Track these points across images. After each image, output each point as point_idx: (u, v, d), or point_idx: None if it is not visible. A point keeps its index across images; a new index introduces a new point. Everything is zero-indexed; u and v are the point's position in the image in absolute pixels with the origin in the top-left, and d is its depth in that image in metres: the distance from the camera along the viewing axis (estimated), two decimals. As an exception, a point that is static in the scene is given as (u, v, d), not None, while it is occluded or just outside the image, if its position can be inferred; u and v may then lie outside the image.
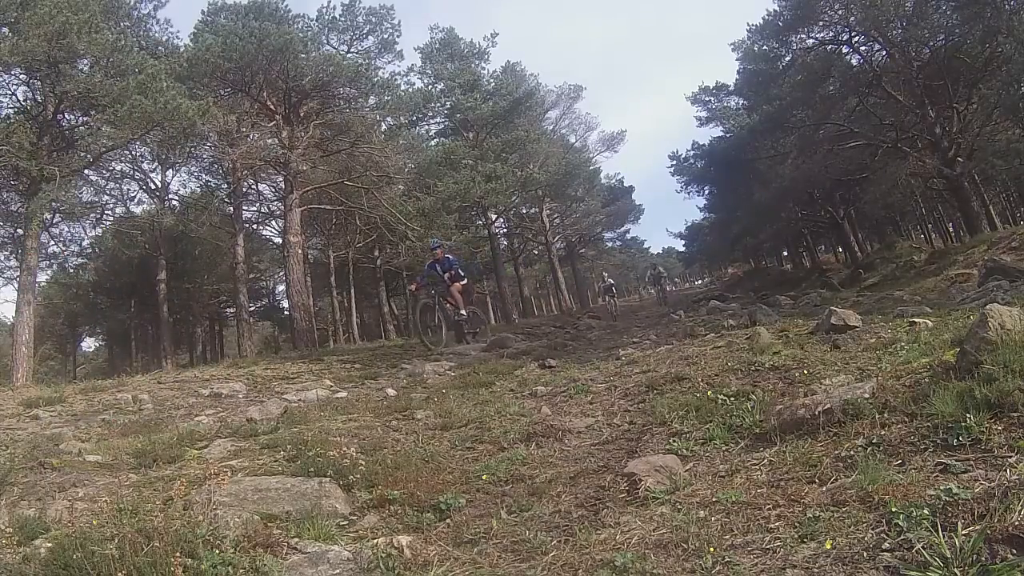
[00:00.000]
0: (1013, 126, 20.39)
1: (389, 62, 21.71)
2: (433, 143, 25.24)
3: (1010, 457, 2.00)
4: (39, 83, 13.24)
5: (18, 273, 14.60)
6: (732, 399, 3.56)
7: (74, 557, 1.86)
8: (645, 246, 57.69)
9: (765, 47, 24.46)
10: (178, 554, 1.81)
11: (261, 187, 23.43)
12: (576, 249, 40.73)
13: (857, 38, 21.35)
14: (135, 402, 5.77)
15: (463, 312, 10.71)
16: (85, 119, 14.17)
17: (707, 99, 33.40)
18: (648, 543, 2.01)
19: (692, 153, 34.26)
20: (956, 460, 2.08)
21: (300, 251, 17.93)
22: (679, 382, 4.35)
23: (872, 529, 1.77)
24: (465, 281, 11.10)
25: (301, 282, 17.48)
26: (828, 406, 2.74)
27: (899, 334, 4.48)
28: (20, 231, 14.70)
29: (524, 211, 33.11)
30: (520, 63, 36.15)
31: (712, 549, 1.86)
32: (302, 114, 17.76)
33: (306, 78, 16.63)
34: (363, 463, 3.08)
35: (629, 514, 2.31)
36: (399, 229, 19.90)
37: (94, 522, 2.30)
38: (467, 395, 5.45)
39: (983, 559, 1.49)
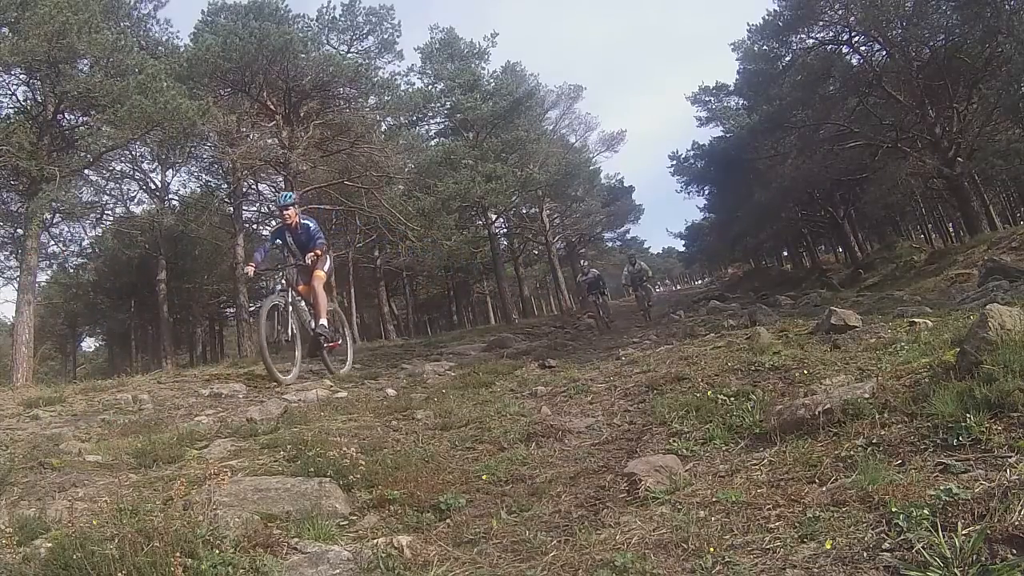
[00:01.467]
0: (1013, 126, 20.41)
1: (389, 62, 21.76)
2: (433, 143, 25.27)
3: (1010, 457, 2.00)
4: (39, 83, 13.26)
5: (18, 273, 14.63)
6: (732, 399, 3.56)
7: (74, 557, 1.86)
8: (645, 246, 57.75)
9: (765, 47, 24.49)
10: (178, 554, 1.81)
11: (261, 187, 23.45)
12: (576, 249, 40.76)
13: (857, 38, 21.38)
14: (135, 402, 5.77)
15: (323, 320, 6.86)
16: (85, 119, 14.19)
17: (707, 99, 33.48)
18: (648, 543, 2.01)
19: (692, 153, 34.38)
20: (956, 460, 2.08)
21: (300, 251, 17.89)
22: (679, 382, 4.35)
23: (872, 529, 1.77)
24: (329, 265, 7.32)
25: (301, 282, 17.44)
26: (828, 406, 2.74)
27: (899, 334, 4.48)
28: (20, 231, 14.73)
29: (524, 211, 33.13)
30: (520, 63, 36.23)
31: (712, 549, 1.86)
32: (302, 114, 17.78)
33: (306, 78, 16.66)
34: (363, 463, 3.07)
35: (629, 514, 2.31)
36: (399, 229, 19.94)
37: (94, 522, 2.30)
38: (467, 395, 5.45)
39: (983, 559, 1.49)
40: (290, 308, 6.59)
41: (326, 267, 7.12)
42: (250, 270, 6.85)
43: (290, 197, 7.40)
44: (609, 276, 23.25)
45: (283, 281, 6.68)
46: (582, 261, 21.91)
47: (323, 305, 6.92)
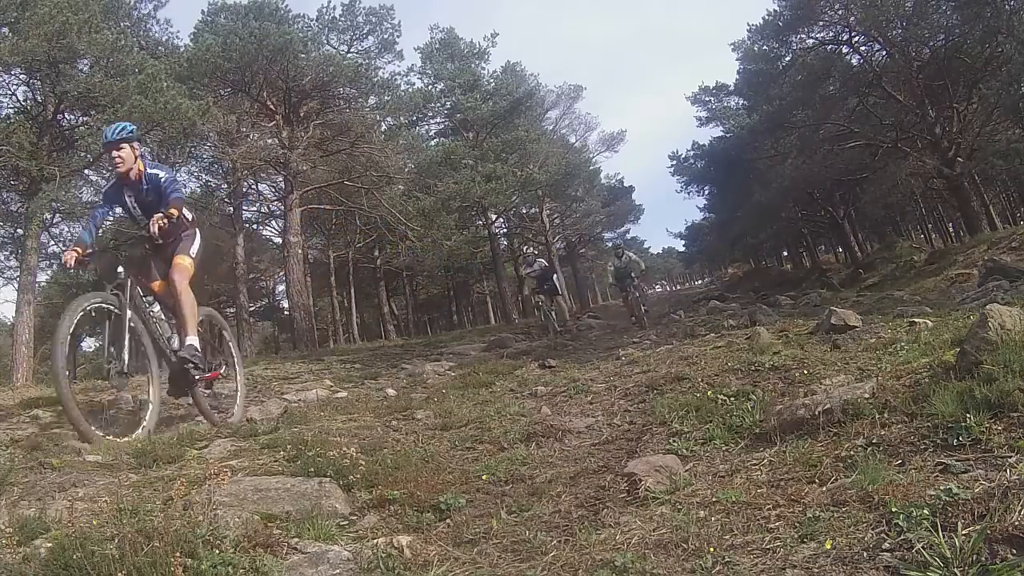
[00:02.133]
0: (1013, 126, 20.41)
1: (389, 62, 21.78)
2: (433, 143, 25.29)
3: (1010, 457, 2.00)
4: (39, 83, 13.25)
5: (18, 273, 14.63)
6: (732, 399, 3.56)
7: (74, 557, 1.86)
8: (645, 246, 57.79)
9: (765, 47, 24.50)
10: (178, 554, 1.81)
11: (261, 187, 23.51)
12: (576, 249, 40.82)
13: (857, 38, 21.38)
14: (135, 402, 5.77)
15: (192, 338, 4.36)
16: (85, 119, 14.17)
17: (707, 99, 33.51)
18: (648, 543, 2.01)
19: (692, 153, 34.41)
20: (956, 460, 2.07)
21: (300, 251, 17.97)
22: (679, 382, 4.35)
23: (872, 529, 1.77)
24: (197, 246, 4.56)
25: (301, 282, 17.51)
26: (828, 406, 2.73)
27: (899, 334, 4.48)
28: (20, 231, 14.73)
29: (524, 211, 33.12)
30: (520, 63, 36.22)
31: (712, 549, 1.85)
32: (302, 114, 17.80)
33: (306, 78, 16.68)
34: (363, 463, 3.07)
35: (629, 514, 2.31)
36: (399, 229, 19.97)
37: (94, 522, 2.29)
38: (467, 395, 5.45)
39: (983, 559, 1.48)
40: (128, 317, 4.00)
41: (192, 250, 4.47)
42: (70, 258, 4.09)
43: (126, 129, 4.38)
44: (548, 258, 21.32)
45: (120, 271, 4.12)
46: (526, 248, 16.80)
47: (190, 313, 4.36)
